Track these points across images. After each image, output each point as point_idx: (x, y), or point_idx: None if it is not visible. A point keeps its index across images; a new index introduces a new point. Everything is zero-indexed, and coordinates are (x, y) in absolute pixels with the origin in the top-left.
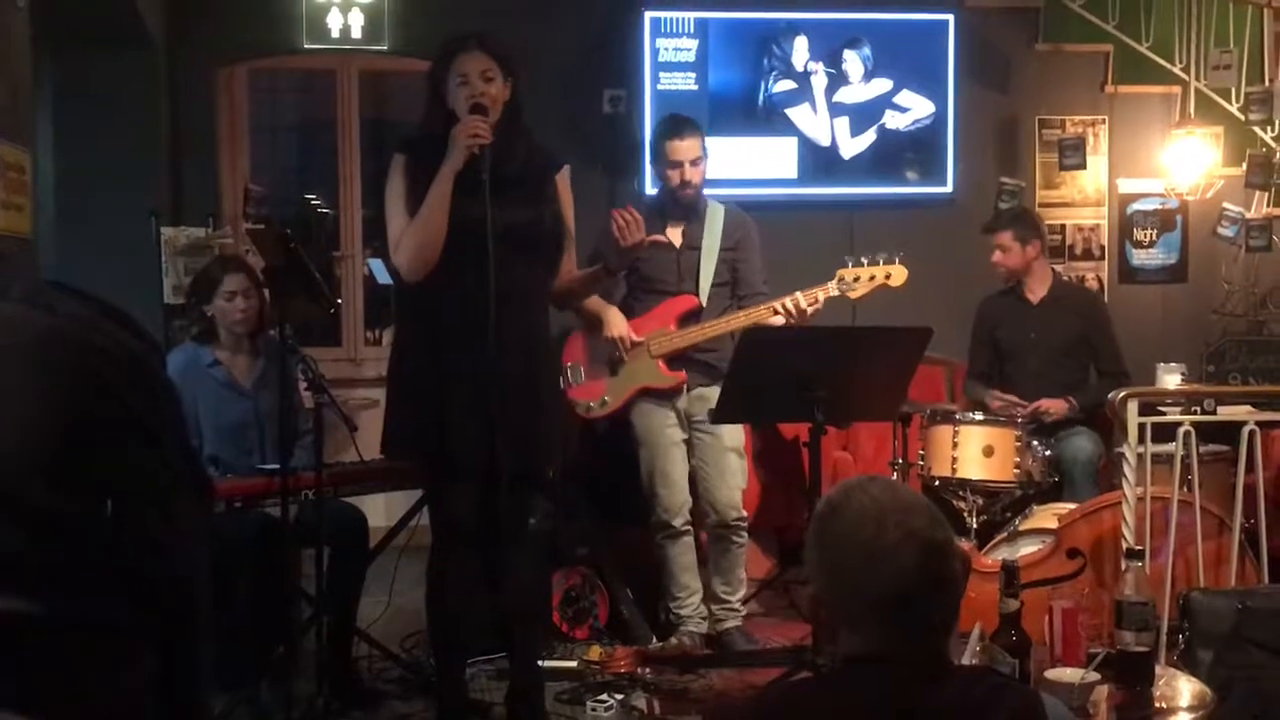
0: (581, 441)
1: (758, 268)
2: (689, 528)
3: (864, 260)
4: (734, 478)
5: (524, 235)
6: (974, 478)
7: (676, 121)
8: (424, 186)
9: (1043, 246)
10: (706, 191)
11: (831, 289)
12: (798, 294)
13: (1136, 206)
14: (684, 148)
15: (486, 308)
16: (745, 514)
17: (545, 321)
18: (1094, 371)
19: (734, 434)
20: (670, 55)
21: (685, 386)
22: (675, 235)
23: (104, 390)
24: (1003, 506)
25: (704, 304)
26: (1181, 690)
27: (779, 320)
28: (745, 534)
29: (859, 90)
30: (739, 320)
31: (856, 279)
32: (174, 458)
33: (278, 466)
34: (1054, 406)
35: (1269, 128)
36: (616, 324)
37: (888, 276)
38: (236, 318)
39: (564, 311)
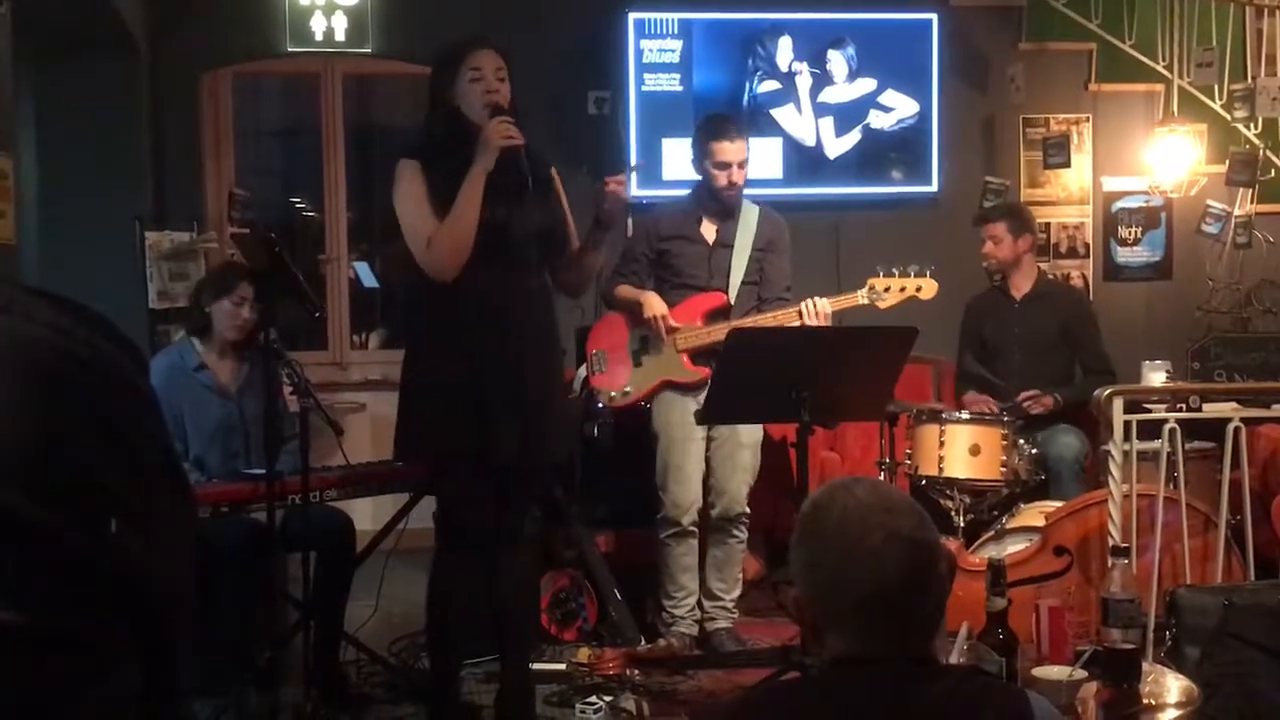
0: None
1: (784, 270)
2: (695, 528)
3: (895, 270)
4: (744, 473)
5: (543, 234)
6: (961, 476)
7: (724, 122)
8: (444, 188)
9: (1033, 243)
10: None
11: (861, 298)
12: (822, 299)
13: (1121, 204)
14: (733, 150)
15: (514, 305)
16: (748, 511)
17: (555, 317)
18: (1080, 370)
19: (751, 430)
20: (655, 56)
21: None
22: (709, 233)
23: (81, 399)
24: (989, 505)
25: (732, 302)
26: (1169, 687)
27: (799, 323)
28: (745, 530)
29: (843, 90)
30: (766, 321)
31: (887, 289)
32: (153, 466)
33: (263, 471)
34: (1040, 399)
35: (1252, 125)
36: (654, 304)
37: (918, 289)
38: (238, 323)
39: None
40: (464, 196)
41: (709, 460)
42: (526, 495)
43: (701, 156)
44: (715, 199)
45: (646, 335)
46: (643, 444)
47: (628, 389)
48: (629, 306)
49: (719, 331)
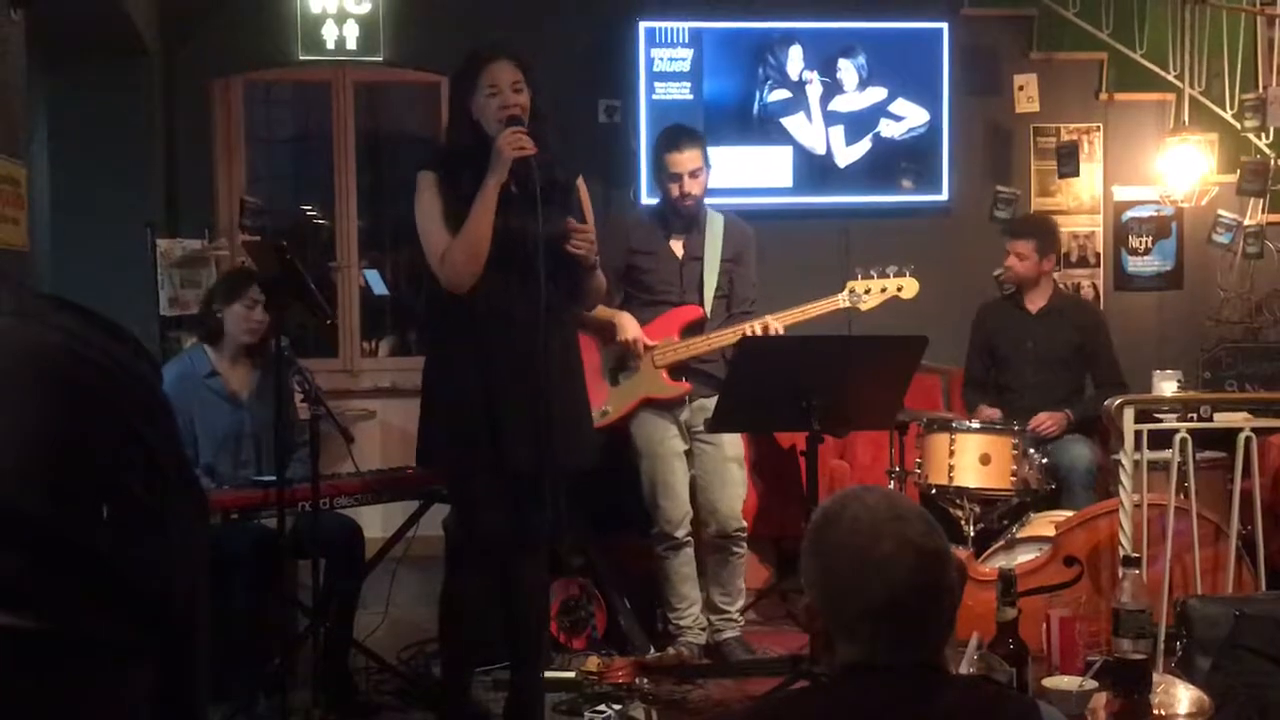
0: None
1: (750, 281)
2: (690, 539)
3: (874, 272)
4: (734, 488)
5: (560, 242)
6: (971, 486)
7: (674, 133)
8: (461, 201)
9: (1055, 263)
10: (706, 200)
11: (842, 300)
12: (774, 319)
13: (1131, 214)
14: (682, 160)
15: (534, 317)
16: (745, 524)
17: (577, 329)
18: (1091, 383)
19: (734, 444)
20: (665, 65)
21: (687, 397)
22: (677, 247)
23: (96, 405)
24: (1000, 514)
25: (708, 315)
26: (1179, 697)
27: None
28: (744, 544)
29: (854, 99)
30: (701, 345)
31: (867, 291)
32: (168, 471)
33: (274, 478)
34: (1053, 421)
35: (1263, 134)
36: (629, 327)
37: (899, 289)
38: (252, 326)
39: None
40: (477, 209)
41: (695, 476)
42: (545, 504)
43: (657, 171)
44: (676, 212)
45: (622, 354)
46: (622, 461)
47: (606, 409)
48: (600, 327)
49: (697, 346)
